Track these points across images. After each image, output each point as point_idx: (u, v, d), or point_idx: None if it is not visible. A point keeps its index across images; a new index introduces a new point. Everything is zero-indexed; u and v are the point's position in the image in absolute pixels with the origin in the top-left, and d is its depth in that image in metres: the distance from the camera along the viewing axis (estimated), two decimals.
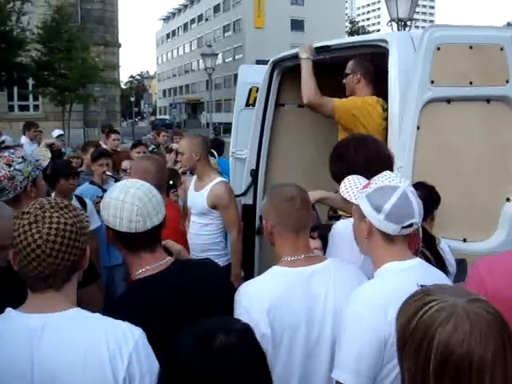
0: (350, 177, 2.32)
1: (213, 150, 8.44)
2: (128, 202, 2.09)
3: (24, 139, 9.80)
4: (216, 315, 1.64)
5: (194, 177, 4.75)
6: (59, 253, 1.70)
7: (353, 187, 2.26)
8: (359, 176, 2.32)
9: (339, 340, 2.00)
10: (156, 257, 2.19)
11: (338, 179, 2.49)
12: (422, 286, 1.91)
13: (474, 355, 1.19)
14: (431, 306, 1.28)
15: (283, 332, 2.17)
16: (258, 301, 2.17)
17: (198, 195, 4.55)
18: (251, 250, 5.30)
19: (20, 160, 2.83)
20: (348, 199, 2.23)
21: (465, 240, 3.61)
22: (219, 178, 4.59)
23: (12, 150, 2.88)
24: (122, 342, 1.69)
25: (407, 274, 2.05)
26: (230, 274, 4.38)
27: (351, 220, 2.32)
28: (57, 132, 11.25)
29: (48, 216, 1.72)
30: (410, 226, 2.08)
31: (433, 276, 2.09)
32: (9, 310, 1.74)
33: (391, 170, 2.61)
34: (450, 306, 1.26)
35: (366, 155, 2.67)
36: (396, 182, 2.09)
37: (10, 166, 2.78)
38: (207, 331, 1.43)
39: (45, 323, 1.67)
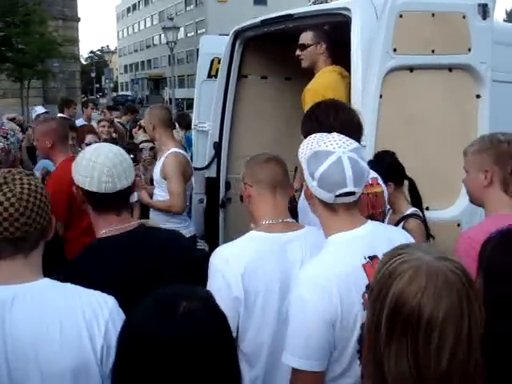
0: (312, 136, 2.16)
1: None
2: (99, 162, 2.12)
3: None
4: (176, 282, 1.59)
5: None
6: (32, 213, 1.66)
7: (308, 147, 2.09)
8: (324, 134, 2.16)
9: (288, 323, 1.91)
10: (120, 220, 2.22)
11: None
12: (369, 257, 1.88)
13: (425, 310, 1.19)
14: (398, 259, 1.28)
15: (257, 296, 2.18)
16: (233, 264, 2.17)
17: (156, 166, 4.51)
18: (215, 222, 5.28)
19: (12, 133, 2.72)
20: (300, 160, 2.11)
21: (427, 208, 3.63)
22: (173, 149, 4.38)
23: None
24: (98, 310, 1.68)
25: (353, 246, 1.95)
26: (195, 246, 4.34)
27: None
28: (40, 109, 9.04)
29: (18, 178, 1.69)
30: (347, 194, 1.91)
31: (385, 241, 1.92)
32: None
33: (360, 138, 2.61)
34: (414, 259, 1.26)
35: (342, 122, 2.61)
36: (334, 146, 1.93)
37: (6, 138, 2.65)
38: (169, 298, 1.38)
39: (15, 295, 1.63)
